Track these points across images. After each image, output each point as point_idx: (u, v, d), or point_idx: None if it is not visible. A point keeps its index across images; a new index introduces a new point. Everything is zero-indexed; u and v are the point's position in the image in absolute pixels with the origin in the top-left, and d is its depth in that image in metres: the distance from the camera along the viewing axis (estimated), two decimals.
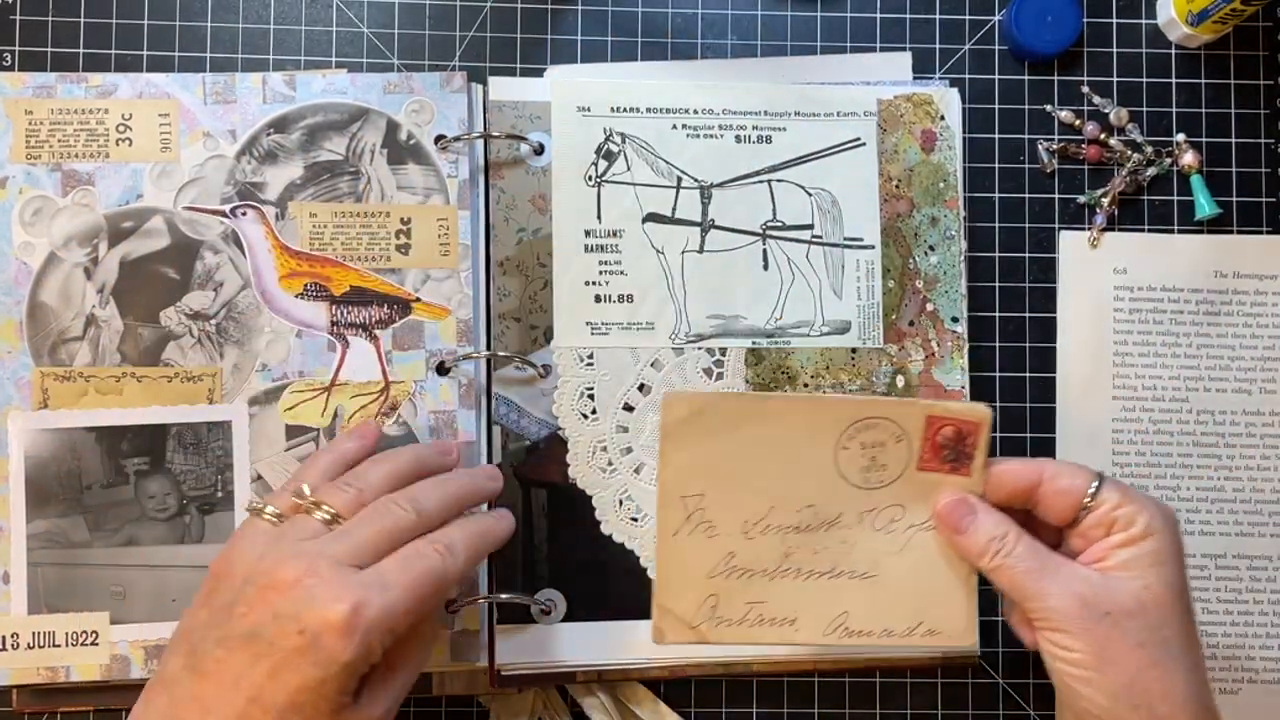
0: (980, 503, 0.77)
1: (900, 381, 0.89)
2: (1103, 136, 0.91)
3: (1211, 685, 0.87)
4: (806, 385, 0.88)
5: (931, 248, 0.90)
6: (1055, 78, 0.92)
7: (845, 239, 0.89)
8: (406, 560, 0.71)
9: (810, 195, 0.89)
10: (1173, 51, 0.93)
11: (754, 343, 0.88)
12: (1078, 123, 0.92)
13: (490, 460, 0.86)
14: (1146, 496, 0.73)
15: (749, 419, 0.79)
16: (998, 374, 0.91)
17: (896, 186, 0.90)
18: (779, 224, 0.89)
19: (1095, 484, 0.73)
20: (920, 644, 0.80)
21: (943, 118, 0.90)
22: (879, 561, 0.80)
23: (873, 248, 0.89)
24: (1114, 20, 0.92)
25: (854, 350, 0.89)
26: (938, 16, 0.92)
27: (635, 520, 0.88)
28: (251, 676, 0.66)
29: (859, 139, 0.90)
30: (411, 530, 0.73)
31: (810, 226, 0.89)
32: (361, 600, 0.67)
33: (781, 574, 0.80)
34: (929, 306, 0.89)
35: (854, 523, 0.80)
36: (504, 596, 0.85)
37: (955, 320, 0.89)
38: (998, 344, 0.91)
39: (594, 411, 0.87)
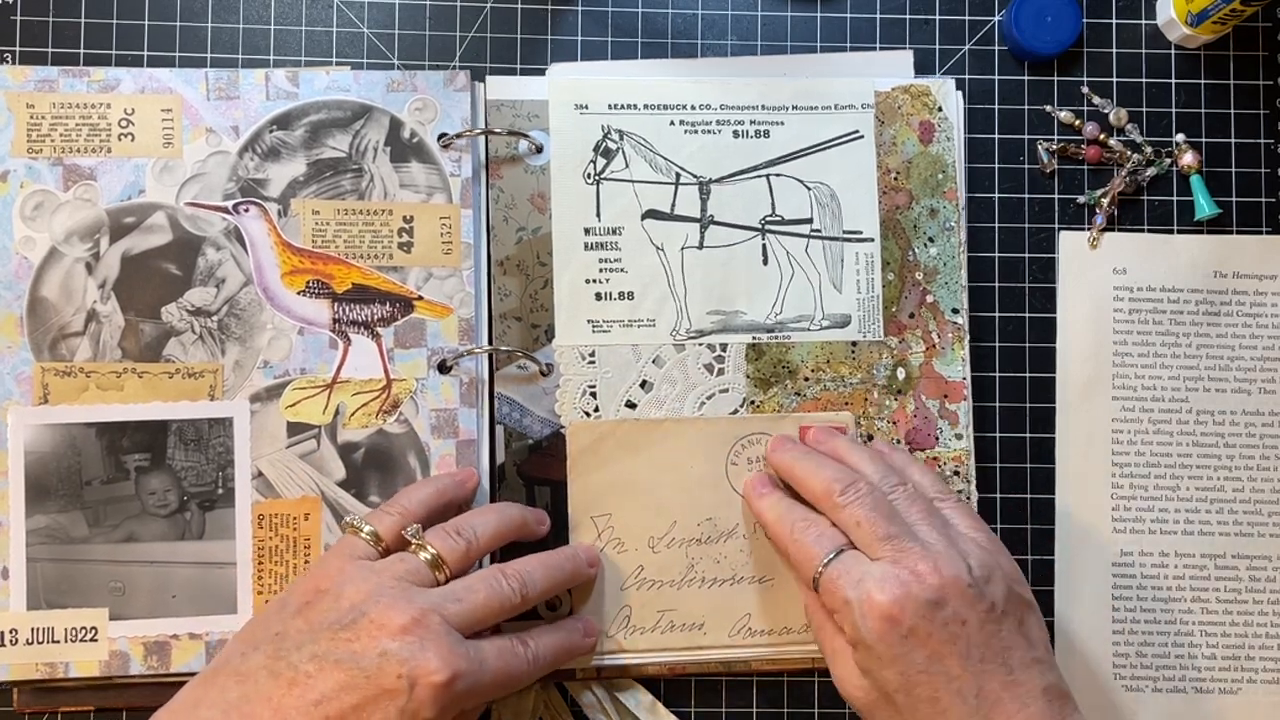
0: (778, 486, 0.86)
1: (901, 374, 0.89)
2: (1102, 137, 0.92)
3: (1211, 685, 0.88)
4: (807, 379, 0.88)
5: (931, 239, 0.90)
6: (1055, 78, 0.92)
7: (844, 232, 0.89)
8: (502, 653, 0.76)
9: (809, 189, 0.89)
10: (1172, 52, 0.93)
11: (754, 338, 0.88)
12: (1077, 123, 0.92)
13: (492, 459, 0.87)
14: (884, 577, 0.75)
15: (646, 442, 0.88)
16: (997, 374, 0.91)
17: (895, 179, 0.90)
18: (778, 218, 0.89)
19: (831, 555, 0.78)
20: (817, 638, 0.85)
21: (940, 109, 0.90)
22: (774, 566, 0.88)
23: (872, 240, 0.89)
24: (1113, 20, 0.93)
25: (854, 344, 0.89)
26: (938, 17, 0.92)
27: None
28: (337, 701, 0.70)
29: (857, 132, 0.90)
30: (514, 611, 0.78)
31: (809, 220, 0.89)
32: (460, 672, 0.71)
33: (687, 583, 0.88)
34: (929, 298, 0.89)
35: (749, 532, 0.88)
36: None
37: (956, 311, 0.89)
38: (997, 344, 0.91)
39: (596, 409, 0.87)
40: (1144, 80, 0.92)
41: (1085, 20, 0.92)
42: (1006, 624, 0.74)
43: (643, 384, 0.88)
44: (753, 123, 0.89)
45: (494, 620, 0.77)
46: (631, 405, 0.88)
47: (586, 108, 0.89)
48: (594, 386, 0.87)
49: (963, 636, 0.73)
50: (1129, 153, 0.91)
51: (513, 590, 0.77)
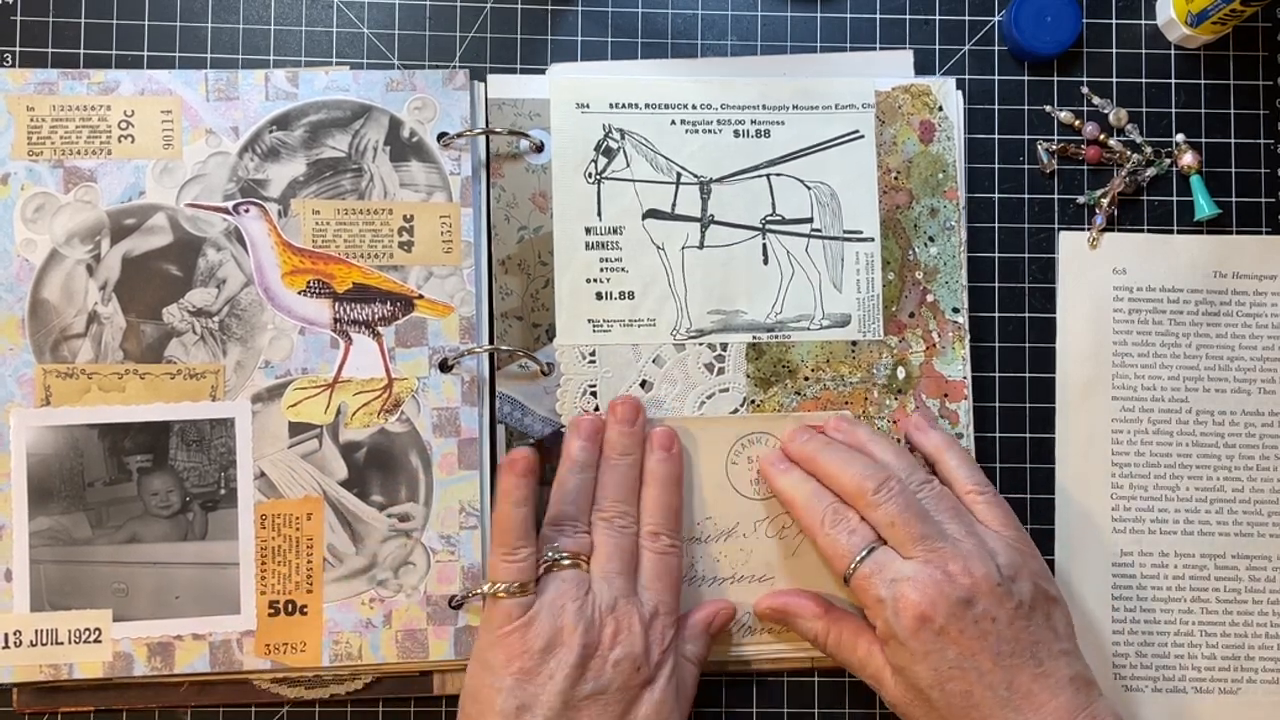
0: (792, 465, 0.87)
1: (901, 373, 0.89)
2: (1102, 137, 0.92)
3: (1211, 685, 0.88)
4: (807, 379, 0.88)
5: (931, 239, 0.90)
6: (1055, 78, 0.93)
7: (844, 232, 0.89)
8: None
9: (809, 189, 0.89)
10: (1172, 52, 0.93)
11: (755, 337, 0.88)
12: (1077, 123, 0.92)
13: (494, 458, 0.87)
14: (915, 578, 0.78)
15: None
16: (997, 374, 0.91)
17: (895, 178, 0.90)
18: (778, 218, 0.89)
19: (863, 553, 0.80)
20: None
21: (940, 108, 0.90)
22: (774, 565, 0.88)
23: (872, 240, 0.89)
24: (1113, 21, 0.93)
25: (854, 343, 0.89)
26: (938, 17, 0.92)
27: None
28: None
29: (857, 131, 0.90)
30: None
31: (809, 220, 0.89)
32: None
33: (687, 582, 0.88)
34: (929, 298, 0.90)
35: (749, 531, 0.88)
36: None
37: (956, 311, 0.90)
38: (997, 344, 0.91)
39: (597, 409, 0.87)
40: (1144, 80, 0.93)
41: (1085, 20, 0.92)
42: (1035, 619, 0.78)
43: (643, 383, 0.88)
44: (753, 122, 0.89)
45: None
46: None
47: (587, 107, 0.89)
48: (595, 386, 0.88)
49: (993, 633, 0.76)
50: (1129, 153, 0.92)
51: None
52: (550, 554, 0.81)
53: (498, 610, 0.79)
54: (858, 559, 0.80)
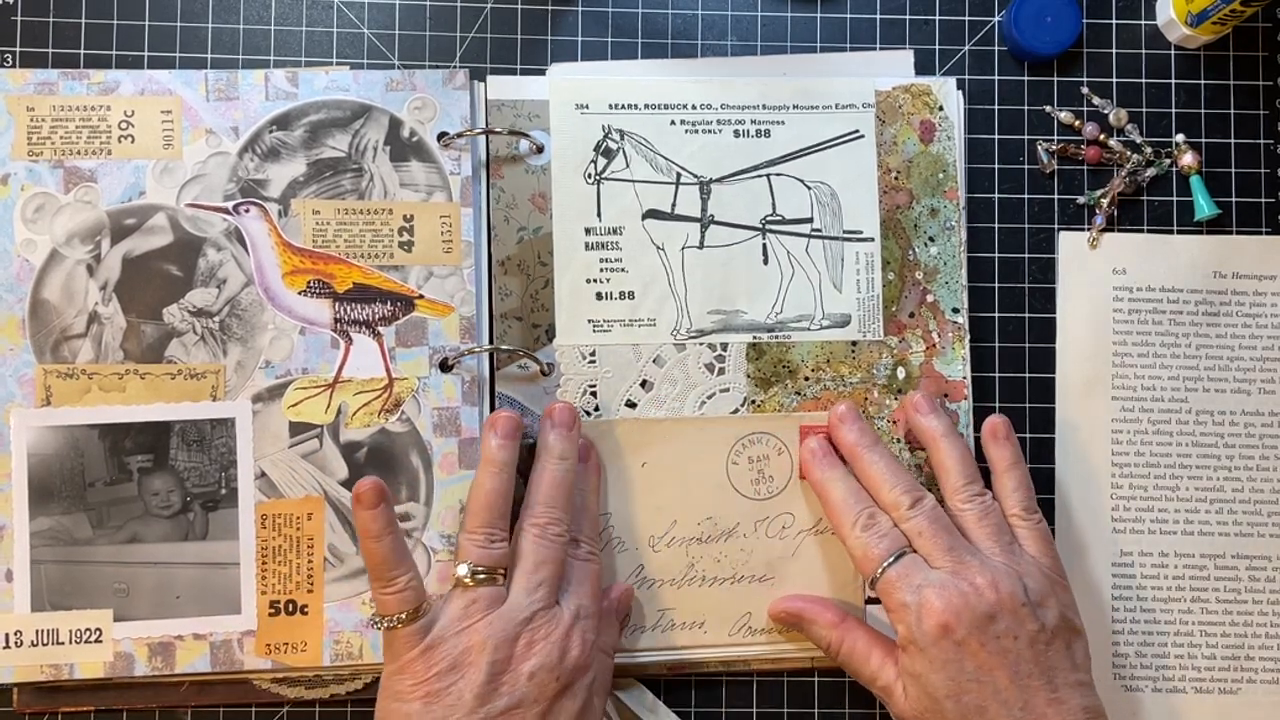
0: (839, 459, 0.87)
1: (901, 373, 0.89)
2: (1102, 137, 0.92)
3: (1211, 685, 0.88)
4: (807, 379, 0.88)
5: (931, 239, 0.90)
6: (1055, 78, 0.93)
7: (845, 232, 0.89)
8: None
9: (809, 189, 0.89)
10: (1172, 52, 0.93)
11: (755, 337, 0.88)
12: (1077, 123, 0.92)
13: None
14: (940, 583, 0.79)
15: (646, 442, 0.88)
16: (997, 374, 0.91)
17: (895, 178, 0.90)
18: (778, 218, 0.89)
19: (892, 558, 0.81)
20: None
21: (941, 108, 0.90)
22: (774, 565, 0.89)
23: (872, 240, 0.90)
24: (1113, 21, 0.93)
25: (854, 343, 0.89)
26: (938, 17, 0.92)
27: None
28: None
29: (857, 131, 0.90)
30: None
31: (809, 220, 0.89)
32: None
33: (687, 582, 0.89)
34: (929, 298, 0.90)
35: (749, 531, 0.88)
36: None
37: (956, 311, 0.90)
38: (997, 344, 0.91)
39: (597, 409, 0.87)
40: (1144, 80, 0.93)
41: (1085, 20, 0.92)
42: (1055, 645, 0.78)
43: (643, 383, 0.88)
44: (753, 122, 0.89)
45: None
46: (632, 405, 0.88)
47: (587, 107, 0.89)
48: (594, 386, 0.88)
49: (1013, 652, 0.77)
50: (1129, 153, 0.92)
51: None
52: (463, 569, 0.79)
53: (396, 639, 0.78)
54: (886, 563, 0.80)
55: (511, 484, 0.82)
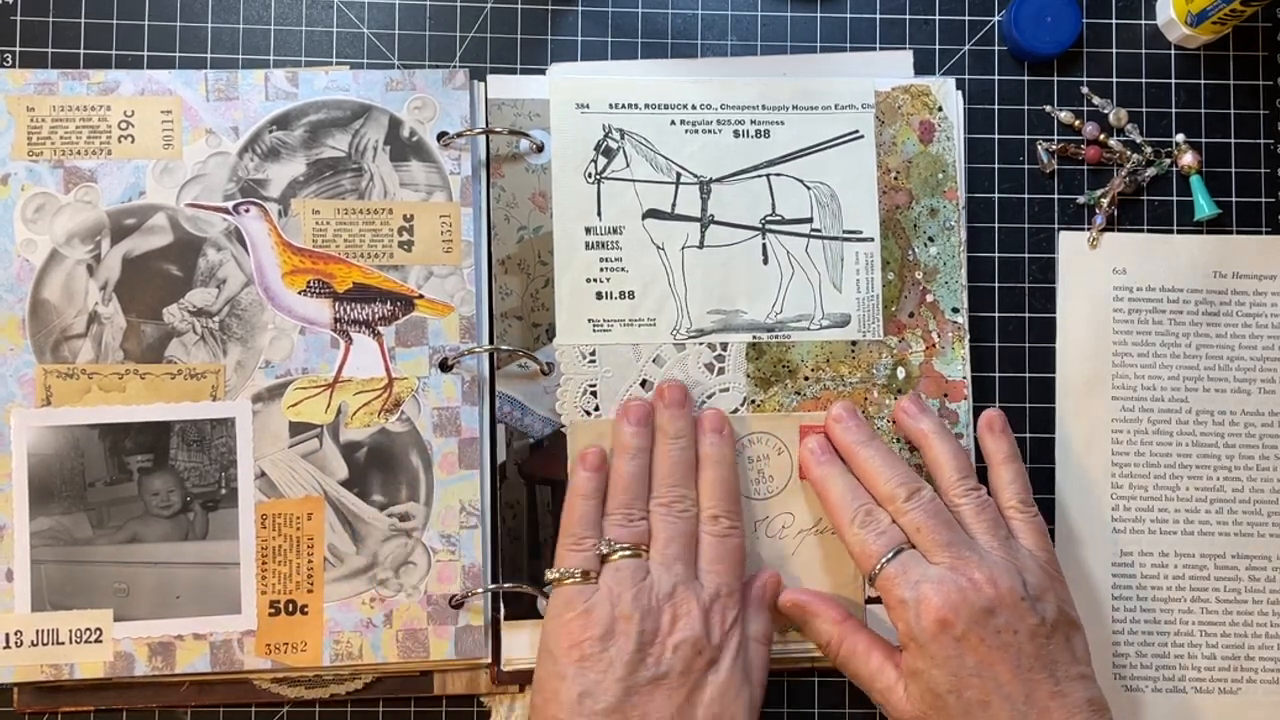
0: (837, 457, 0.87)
1: (901, 373, 0.89)
2: (1102, 137, 0.92)
3: (1211, 685, 0.88)
4: (807, 379, 0.88)
5: (931, 239, 0.90)
6: (1055, 78, 0.93)
7: (844, 232, 0.89)
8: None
9: (809, 189, 0.89)
10: (1172, 52, 0.93)
11: (755, 337, 0.88)
12: (1077, 123, 0.92)
13: (494, 458, 0.87)
14: (938, 579, 0.79)
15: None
16: (997, 374, 0.91)
17: (895, 178, 0.90)
18: (778, 218, 0.89)
19: (890, 554, 0.81)
20: None
21: (940, 109, 0.90)
22: (774, 565, 0.88)
23: (872, 240, 0.89)
24: (1113, 21, 0.93)
25: (854, 343, 0.89)
26: (938, 17, 0.92)
27: None
28: None
29: (857, 131, 0.90)
30: None
31: (809, 220, 0.89)
32: None
33: None
34: (929, 298, 0.90)
35: (749, 531, 0.88)
36: (509, 586, 0.86)
37: (956, 311, 0.90)
38: (997, 344, 0.91)
39: (597, 408, 0.87)
40: (1144, 80, 0.93)
41: (1085, 20, 0.92)
42: (1055, 639, 0.78)
43: (643, 383, 0.88)
44: (753, 122, 0.89)
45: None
46: None
47: (587, 107, 0.89)
48: (595, 385, 0.88)
49: (1014, 645, 0.77)
50: (1129, 153, 0.92)
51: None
52: (606, 546, 0.81)
53: (561, 596, 0.80)
54: (884, 559, 0.80)
55: (646, 467, 0.85)
